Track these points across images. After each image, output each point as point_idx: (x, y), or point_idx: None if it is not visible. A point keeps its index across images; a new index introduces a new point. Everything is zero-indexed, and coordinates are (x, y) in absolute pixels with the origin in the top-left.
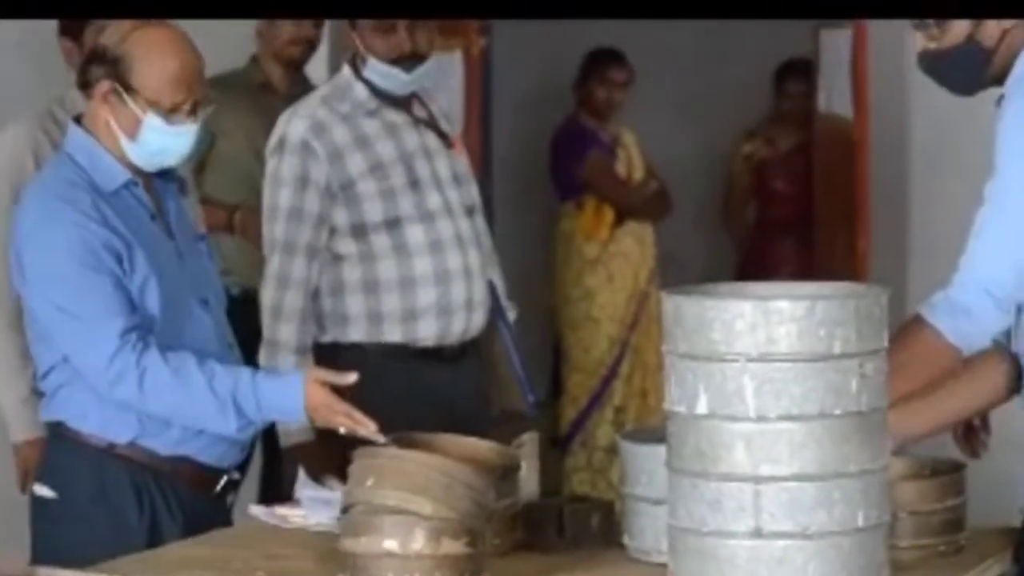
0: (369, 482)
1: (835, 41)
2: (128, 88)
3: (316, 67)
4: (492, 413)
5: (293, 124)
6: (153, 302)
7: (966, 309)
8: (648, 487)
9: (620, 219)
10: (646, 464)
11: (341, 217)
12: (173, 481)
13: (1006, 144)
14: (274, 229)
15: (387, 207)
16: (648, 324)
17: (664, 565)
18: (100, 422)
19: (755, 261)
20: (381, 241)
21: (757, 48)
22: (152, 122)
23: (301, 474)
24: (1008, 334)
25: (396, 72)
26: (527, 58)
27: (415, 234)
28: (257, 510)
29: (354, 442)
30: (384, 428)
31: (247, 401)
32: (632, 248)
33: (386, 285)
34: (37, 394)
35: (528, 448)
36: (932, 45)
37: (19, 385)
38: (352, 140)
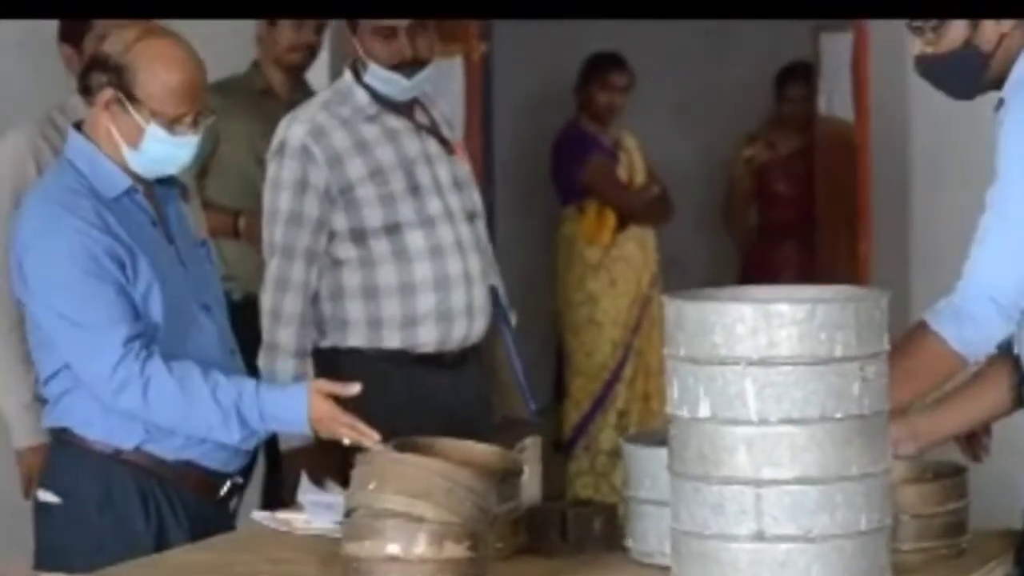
0: (371, 486)
1: (836, 44)
2: (131, 98)
3: (317, 73)
4: (494, 420)
5: (293, 128)
6: (156, 309)
7: (971, 316)
8: (651, 490)
9: (622, 223)
10: (649, 467)
11: (341, 221)
12: (178, 486)
13: (1007, 150)
14: (273, 233)
15: (387, 212)
16: (650, 328)
17: (667, 568)
18: (105, 428)
19: (757, 265)
20: (381, 246)
21: (757, 50)
22: (155, 132)
23: (303, 478)
24: (1010, 340)
25: (397, 78)
26: (528, 63)
27: (415, 240)
28: (260, 515)
29: (355, 446)
30: (385, 434)
31: (250, 412)
32: (634, 252)
33: (386, 290)
34: (40, 400)
35: (530, 452)
36: (929, 49)
37: (21, 391)
38: (352, 145)
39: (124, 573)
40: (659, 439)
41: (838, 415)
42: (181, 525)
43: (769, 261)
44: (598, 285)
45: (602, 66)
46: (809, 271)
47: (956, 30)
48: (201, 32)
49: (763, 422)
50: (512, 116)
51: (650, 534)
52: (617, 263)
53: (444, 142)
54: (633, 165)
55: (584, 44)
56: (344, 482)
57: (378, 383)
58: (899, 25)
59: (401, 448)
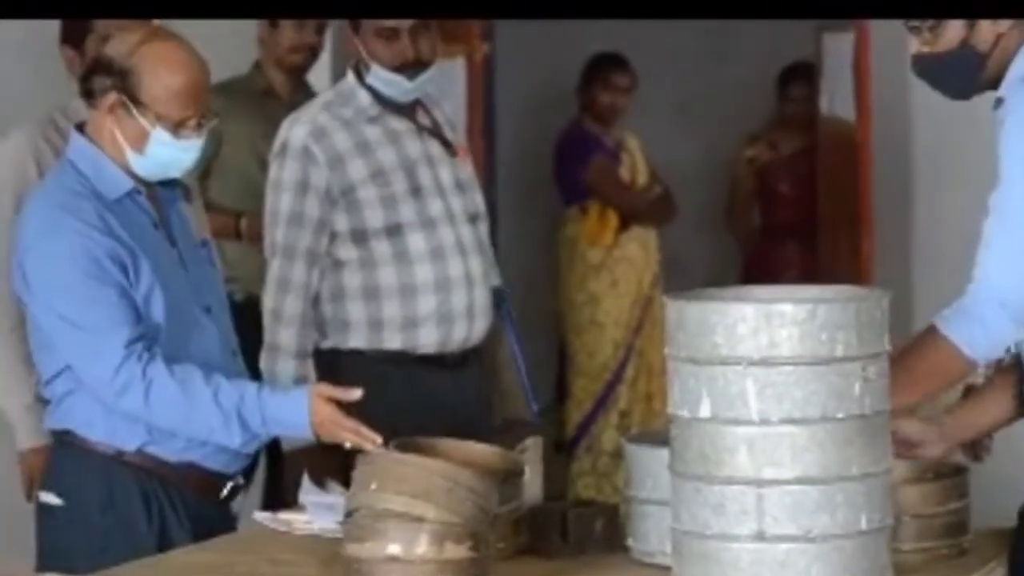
0: (372, 486)
1: (838, 44)
2: (136, 101)
3: (319, 74)
4: (495, 421)
5: (294, 129)
6: (158, 311)
7: (980, 319)
8: (653, 490)
9: (624, 224)
10: (651, 467)
11: (342, 222)
12: (180, 487)
13: (1009, 151)
14: (275, 234)
15: (388, 213)
16: (652, 328)
17: (668, 568)
18: (108, 429)
19: (759, 265)
20: (382, 247)
21: (758, 50)
22: (160, 136)
23: (305, 479)
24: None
25: (399, 79)
26: (530, 63)
27: (416, 241)
28: (261, 515)
29: (357, 448)
30: (386, 435)
31: (252, 416)
32: (636, 253)
33: (386, 292)
34: (41, 401)
35: (531, 452)
36: (926, 49)
37: (23, 392)
38: (353, 146)
39: (126, 574)
40: (661, 439)
41: (839, 415)
42: (183, 526)
43: (771, 261)
44: (600, 286)
45: (604, 67)
46: (811, 271)
47: (953, 30)
48: (202, 33)
49: (764, 422)
50: (514, 116)
51: (651, 534)
52: (619, 264)
53: (447, 144)
54: (635, 166)
55: (584, 44)
56: (346, 483)
57: (379, 384)
58: (901, 25)
59: (402, 448)
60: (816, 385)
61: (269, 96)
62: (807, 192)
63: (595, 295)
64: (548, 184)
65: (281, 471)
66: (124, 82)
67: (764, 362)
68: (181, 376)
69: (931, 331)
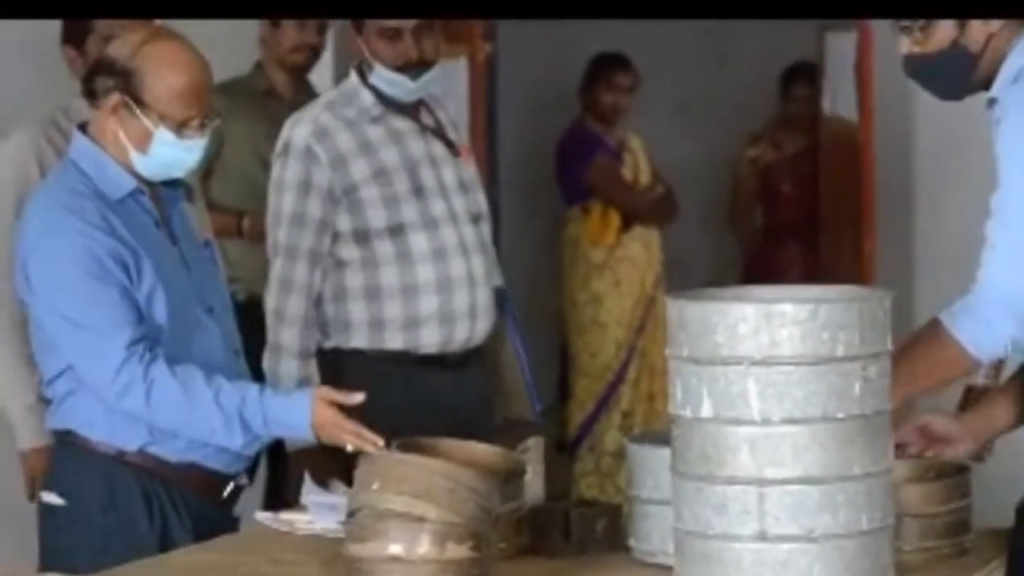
0: (374, 486)
1: (840, 44)
2: (139, 102)
3: (321, 74)
4: (496, 422)
5: (297, 129)
6: (160, 311)
7: (985, 318)
8: (654, 489)
9: (626, 224)
10: (653, 466)
11: (344, 222)
12: (182, 487)
13: (1008, 152)
14: (277, 234)
15: (390, 214)
16: (655, 328)
17: (670, 568)
18: (109, 429)
19: (761, 265)
20: (384, 248)
21: (758, 50)
22: (163, 136)
23: (307, 479)
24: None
25: (402, 79)
26: (532, 63)
27: (418, 241)
28: (263, 516)
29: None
30: (387, 435)
31: (254, 417)
32: (639, 252)
33: (388, 292)
34: (43, 401)
35: (533, 452)
36: (917, 49)
37: (25, 392)
38: (356, 146)
39: (128, 574)
40: (663, 439)
41: (840, 415)
42: (185, 526)
43: (773, 261)
44: (602, 285)
45: (607, 67)
46: (813, 271)
47: (943, 30)
48: (203, 33)
49: (765, 422)
50: (516, 116)
51: (653, 534)
52: (621, 263)
53: (450, 144)
54: (638, 166)
55: (585, 44)
56: (348, 483)
57: (381, 384)
58: None
59: (404, 448)
60: (817, 385)
61: (271, 96)
62: (809, 192)
63: (597, 295)
64: (550, 184)
65: (283, 471)
66: (127, 83)
67: (765, 362)
68: (183, 377)
69: (937, 327)
